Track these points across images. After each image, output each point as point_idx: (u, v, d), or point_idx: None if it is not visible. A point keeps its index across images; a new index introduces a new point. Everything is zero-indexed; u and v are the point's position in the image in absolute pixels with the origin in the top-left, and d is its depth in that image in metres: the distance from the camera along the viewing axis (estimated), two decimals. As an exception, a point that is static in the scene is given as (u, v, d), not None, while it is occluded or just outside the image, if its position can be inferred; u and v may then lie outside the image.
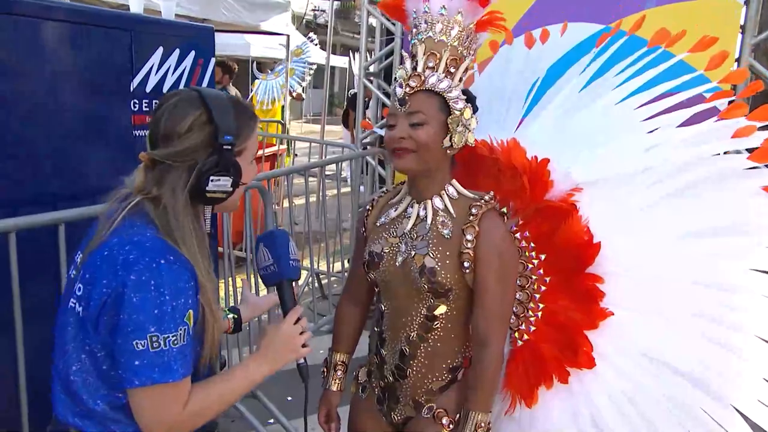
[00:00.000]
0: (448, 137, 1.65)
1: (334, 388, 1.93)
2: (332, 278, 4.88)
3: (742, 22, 3.27)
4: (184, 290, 1.23)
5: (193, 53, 3.00)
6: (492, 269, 1.64)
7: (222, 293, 3.34)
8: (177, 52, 2.91)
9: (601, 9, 2.89)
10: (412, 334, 1.75)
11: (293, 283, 1.54)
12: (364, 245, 1.85)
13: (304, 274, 4.75)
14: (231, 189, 1.31)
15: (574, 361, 1.75)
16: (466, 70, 1.69)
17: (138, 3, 3.10)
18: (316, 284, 5.08)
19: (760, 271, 1.69)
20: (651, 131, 1.83)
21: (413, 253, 1.69)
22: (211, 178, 1.28)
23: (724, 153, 1.80)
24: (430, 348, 1.74)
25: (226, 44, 9.78)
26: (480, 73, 2.43)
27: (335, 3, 7.32)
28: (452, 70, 1.66)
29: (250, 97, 10.54)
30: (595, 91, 1.98)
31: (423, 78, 1.63)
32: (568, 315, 1.77)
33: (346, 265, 5.08)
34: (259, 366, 1.41)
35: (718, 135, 1.77)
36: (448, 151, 1.67)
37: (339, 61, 17.17)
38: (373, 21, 4.97)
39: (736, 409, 1.67)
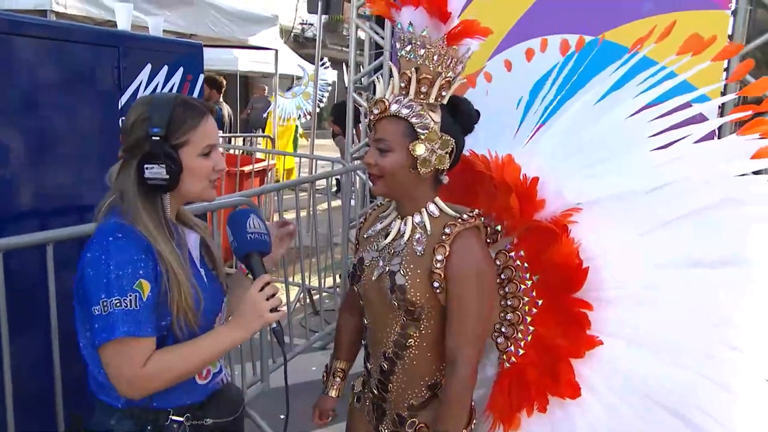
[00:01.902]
0: (414, 163, 1.62)
1: (332, 394, 1.95)
2: (324, 294, 4.84)
3: (729, 32, 3.28)
4: (132, 261, 1.38)
5: (181, 69, 2.98)
6: (463, 289, 1.61)
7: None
8: (165, 68, 2.89)
9: (590, 19, 2.90)
10: (388, 351, 1.75)
11: (260, 255, 1.56)
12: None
13: (295, 290, 4.71)
14: (167, 176, 1.44)
15: (556, 389, 1.70)
16: (449, 85, 1.64)
17: (125, 19, 3.08)
18: (308, 300, 5.04)
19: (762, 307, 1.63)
20: (659, 147, 1.75)
21: (387, 268, 1.69)
22: (145, 166, 1.44)
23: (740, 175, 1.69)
24: (406, 365, 1.74)
25: (214, 59, 9.79)
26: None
27: (323, 17, 7.31)
28: (423, 89, 1.61)
29: (266, 113, 10.63)
30: (609, 105, 1.91)
31: (386, 104, 1.61)
32: (555, 341, 1.72)
33: (338, 280, 5.05)
34: (230, 332, 1.51)
35: (736, 154, 1.67)
36: (421, 175, 1.63)
37: (328, 74, 17.20)
38: (361, 34, 4.98)
39: None
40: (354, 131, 5.11)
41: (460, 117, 1.66)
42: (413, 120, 1.60)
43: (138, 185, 1.46)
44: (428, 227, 1.67)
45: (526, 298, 1.79)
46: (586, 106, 1.93)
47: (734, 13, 3.27)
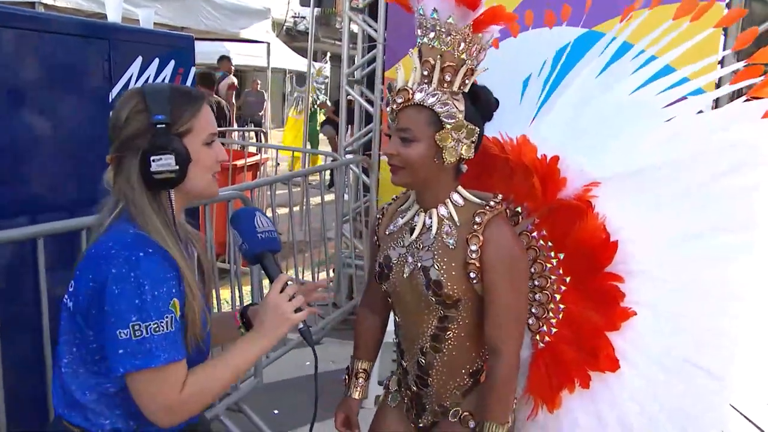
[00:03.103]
0: (439, 152, 1.59)
1: (356, 396, 1.90)
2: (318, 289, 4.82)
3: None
4: (165, 280, 1.28)
5: (172, 62, 2.95)
6: (500, 277, 1.60)
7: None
8: (156, 61, 2.86)
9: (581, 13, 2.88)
10: (425, 346, 1.73)
11: (273, 254, 1.52)
12: (377, 254, 1.82)
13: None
14: (176, 167, 1.34)
15: (595, 364, 1.70)
16: (472, 73, 1.61)
17: (116, 12, 3.04)
18: (301, 294, 5.01)
19: None
20: (670, 119, 1.74)
21: (419, 264, 1.66)
22: (152, 158, 1.32)
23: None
24: (446, 357, 1.72)
25: (205, 52, 9.73)
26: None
27: (316, 10, 7.28)
28: (448, 78, 1.58)
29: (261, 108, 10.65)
30: (612, 77, 1.88)
31: (410, 93, 1.57)
32: (588, 316, 1.72)
33: (332, 274, 5.03)
34: (256, 342, 1.43)
35: (746, 116, 1.66)
36: (445, 165, 1.61)
37: (322, 68, 17.13)
38: (354, 28, 4.94)
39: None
40: (347, 125, 5.09)
41: (480, 105, 1.63)
42: (439, 109, 1.57)
43: (142, 183, 1.35)
44: (456, 218, 1.64)
45: (553, 277, 1.79)
46: (587, 82, 1.91)
47: (728, 4, 3.26)
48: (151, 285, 1.26)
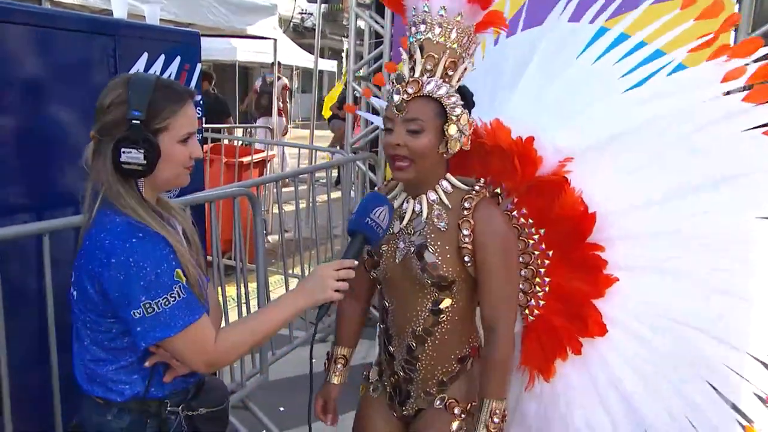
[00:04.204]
0: (444, 143, 1.65)
1: (335, 381, 1.93)
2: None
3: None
4: (164, 257, 1.40)
5: (178, 59, 2.94)
6: (493, 257, 1.66)
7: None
8: (162, 57, 2.85)
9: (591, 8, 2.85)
10: (418, 329, 1.76)
11: (364, 242, 1.60)
12: None
13: (294, 281, 4.68)
14: (144, 161, 1.41)
15: (585, 330, 1.77)
16: (465, 70, 1.68)
17: (121, 8, 3.03)
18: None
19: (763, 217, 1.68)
20: (632, 87, 1.81)
21: (412, 249, 1.70)
22: (122, 149, 1.40)
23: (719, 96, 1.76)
24: (437, 341, 1.76)
25: (211, 49, 9.73)
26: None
27: (323, 6, 7.26)
28: (450, 72, 1.64)
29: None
30: (570, 51, 1.97)
31: (421, 84, 1.61)
32: (574, 286, 1.80)
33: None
34: (295, 299, 1.54)
35: (708, 79, 1.75)
36: (444, 155, 1.68)
37: (327, 64, 17.12)
38: (361, 24, 4.92)
39: (752, 356, 1.67)
40: (353, 121, 5.06)
41: (466, 100, 1.69)
42: (447, 101, 1.62)
43: (114, 168, 1.42)
44: (446, 202, 1.70)
45: (537, 252, 1.86)
46: (546, 60, 1.98)
47: (740, 0, 3.23)
48: (152, 265, 1.37)
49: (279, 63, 8.97)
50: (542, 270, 1.86)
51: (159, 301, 1.37)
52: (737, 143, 1.72)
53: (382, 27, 4.54)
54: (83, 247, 1.43)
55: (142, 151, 1.41)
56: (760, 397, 1.68)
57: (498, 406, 1.66)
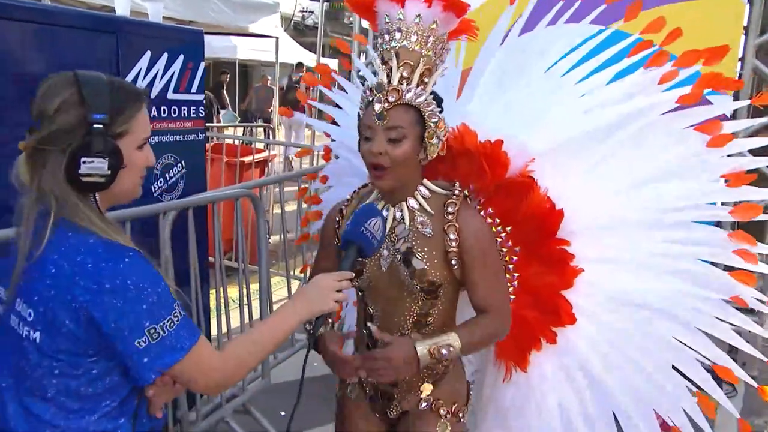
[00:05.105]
0: (423, 150, 1.67)
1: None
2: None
3: (745, 23, 3.20)
4: (158, 275, 1.26)
5: (182, 57, 2.91)
6: (480, 256, 1.70)
7: (213, 303, 3.25)
8: (165, 56, 2.81)
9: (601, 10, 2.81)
10: (407, 333, 1.76)
11: (359, 253, 1.59)
12: (334, 254, 1.84)
13: (296, 283, 4.64)
14: (108, 171, 1.25)
15: (557, 321, 1.86)
16: (439, 76, 1.71)
17: (124, 5, 2.99)
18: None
19: (708, 203, 1.89)
20: (584, 94, 1.94)
21: (399, 256, 1.71)
22: (83, 159, 1.22)
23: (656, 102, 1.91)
24: None
25: (211, 46, 9.70)
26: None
27: (325, 4, 7.21)
28: (426, 80, 1.66)
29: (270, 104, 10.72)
30: (524, 60, 2.07)
31: (401, 92, 1.61)
32: (543, 279, 1.88)
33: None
34: (296, 310, 1.47)
35: (646, 84, 1.90)
36: (422, 162, 1.70)
37: (329, 63, 17.03)
38: (365, 22, 4.87)
39: (701, 330, 1.87)
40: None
41: (438, 106, 1.70)
42: (426, 109, 1.64)
43: (67, 181, 1.24)
44: (428, 208, 1.72)
45: (504, 249, 1.92)
46: (504, 63, 2.09)
47: (750, 2, 3.19)
48: (152, 285, 1.23)
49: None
50: (511, 266, 1.93)
51: (164, 323, 1.23)
52: (677, 139, 1.89)
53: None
54: (41, 275, 1.22)
55: (107, 160, 1.24)
56: (707, 368, 1.89)
57: (453, 349, 1.62)
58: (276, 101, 8.66)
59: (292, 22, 16.71)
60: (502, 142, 1.83)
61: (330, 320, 1.76)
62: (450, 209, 1.70)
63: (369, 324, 1.77)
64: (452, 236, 1.68)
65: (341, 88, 2.49)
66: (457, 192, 1.74)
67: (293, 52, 13.48)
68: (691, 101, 1.87)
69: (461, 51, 2.33)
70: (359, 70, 2.63)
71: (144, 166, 1.36)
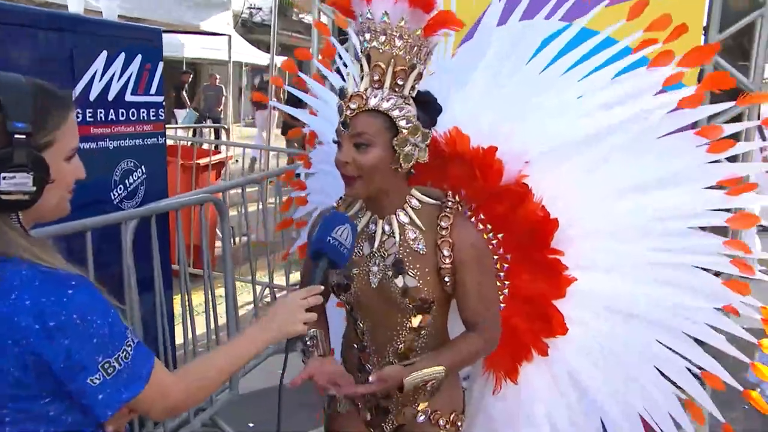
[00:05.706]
0: (396, 158, 1.58)
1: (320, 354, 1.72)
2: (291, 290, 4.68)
3: (705, 20, 3.24)
4: (104, 301, 1.15)
5: (139, 57, 2.82)
6: (475, 271, 1.64)
7: (178, 310, 3.16)
8: (122, 55, 2.72)
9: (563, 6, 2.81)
10: (400, 347, 1.71)
11: (329, 265, 1.53)
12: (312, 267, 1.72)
13: (258, 289, 4.54)
14: (33, 188, 1.11)
15: (549, 331, 1.82)
16: (420, 76, 1.61)
17: (77, 3, 2.87)
18: (274, 298, 4.86)
19: (702, 214, 1.86)
20: (581, 96, 1.89)
21: (389, 273, 1.64)
22: (3, 175, 1.07)
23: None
24: (418, 357, 1.70)
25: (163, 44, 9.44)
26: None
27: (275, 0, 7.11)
28: (400, 81, 1.57)
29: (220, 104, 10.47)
30: (521, 52, 2.00)
31: (365, 98, 1.54)
32: (535, 288, 1.84)
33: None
34: (263, 334, 1.38)
35: (649, 86, 1.85)
36: (399, 170, 1.60)
37: (277, 60, 16.83)
38: (323, 19, 4.78)
39: (687, 335, 1.86)
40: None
41: (429, 109, 1.64)
42: (395, 113, 1.55)
43: None
44: (418, 223, 1.65)
45: (495, 257, 1.88)
46: (496, 60, 2.00)
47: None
48: (100, 316, 1.12)
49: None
50: (501, 274, 1.89)
51: (119, 355, 1.13)
52: (675, 143, 1.86)
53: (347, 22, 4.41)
54: None
55: (31, 174, 1.10)
56: (696, 375, 1.88)
57: (439, 375, 1.62)
58: (229, 100, 8.50)
59: (240, 19, 16.45)
60: (495, 149, 1.77)
61: (307, 339, 1.67)
62: (443, 223, 1.63)
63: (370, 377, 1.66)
64: (446, 252, 1.62)
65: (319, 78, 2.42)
66: (450, 203, 1.67)
67: (242, 50, 13.26)
68: (694, 104, 1.83)
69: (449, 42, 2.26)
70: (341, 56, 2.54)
71: (73, 180, 1.21)
